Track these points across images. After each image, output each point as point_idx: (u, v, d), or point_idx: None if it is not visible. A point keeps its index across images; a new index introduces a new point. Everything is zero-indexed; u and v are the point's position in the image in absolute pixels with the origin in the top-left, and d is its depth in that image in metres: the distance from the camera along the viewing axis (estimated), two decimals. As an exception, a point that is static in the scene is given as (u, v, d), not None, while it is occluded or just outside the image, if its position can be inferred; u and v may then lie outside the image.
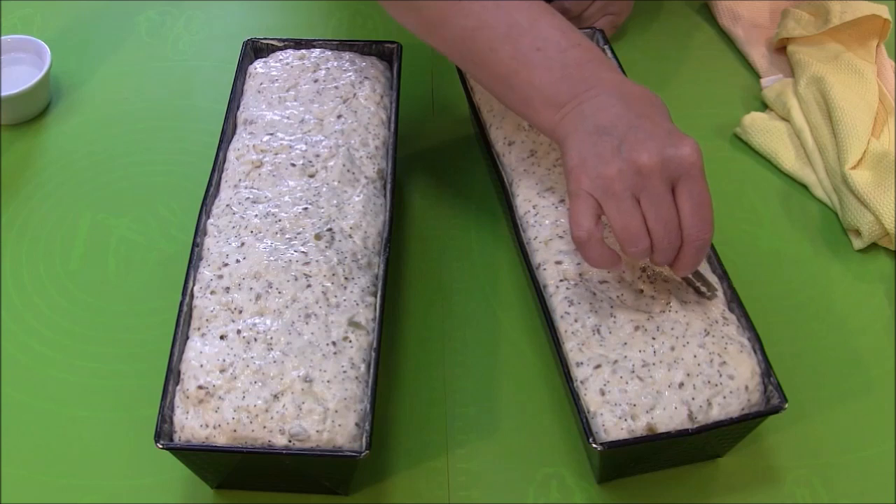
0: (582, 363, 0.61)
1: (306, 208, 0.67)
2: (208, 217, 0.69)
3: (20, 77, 0.86)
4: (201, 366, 0.59)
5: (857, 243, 0.78)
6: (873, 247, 0.79)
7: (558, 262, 0.67)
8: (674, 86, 0.93)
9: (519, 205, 0.72)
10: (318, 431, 0.57)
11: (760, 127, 0.87)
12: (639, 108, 0.60)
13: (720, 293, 0.65)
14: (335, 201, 0.68)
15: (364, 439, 0.57)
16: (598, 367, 0.61)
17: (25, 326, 0.72)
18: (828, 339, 0.73)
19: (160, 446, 0.56)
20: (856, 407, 0.69)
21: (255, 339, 0.60)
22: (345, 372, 0.59)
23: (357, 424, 0.58)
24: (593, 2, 0.92)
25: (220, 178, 0.72)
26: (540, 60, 0.63)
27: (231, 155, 0.73)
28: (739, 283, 0.66)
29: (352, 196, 0.69)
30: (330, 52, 0.81)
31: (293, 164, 0.71)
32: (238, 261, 0.64)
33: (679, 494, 0.64)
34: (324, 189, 0.69)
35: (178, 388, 0.59)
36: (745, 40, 0.96)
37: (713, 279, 0.66)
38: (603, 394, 0.59)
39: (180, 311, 0.63)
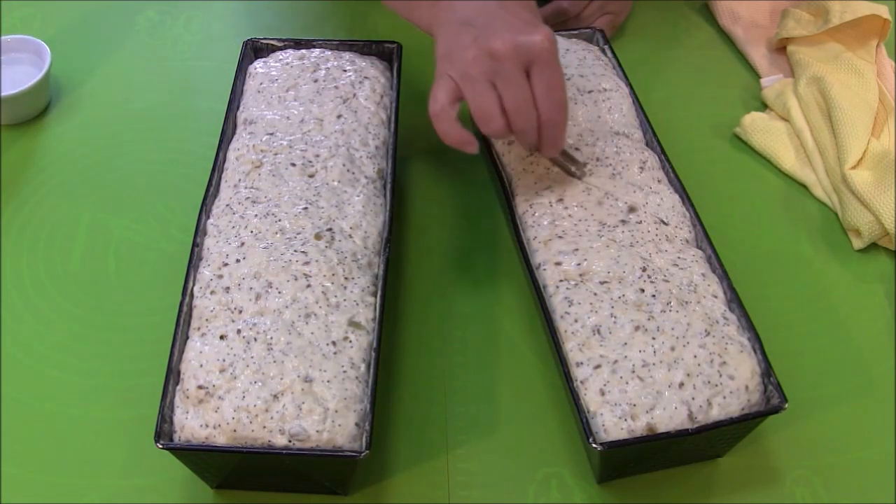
0: (582, 363, 0.61)
1: (306, 208, 0.67)
2: (208, 217, 0.69)
3: (20, 77, 0.86)
4: (201, 366, 0.59)
5: (857, 243, 0.78)
6: (873, 247, 0.79)
7: (558, 263, 0.67)
8: (674, 86, 0.93)
9: (518, 204, 0.72)
10: (318, 431, 0.57)
11: (760, 127, 0.87)
12: (502, 1, 0.64)
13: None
14: (335, 201, 0.68)
15: (364, 439, 0.57)
16: (597, 367, 0.61)
17: (25, 326, 0.72)
18: (828, 339, 0.73)
19: (160, 446, 0.56)
20: (856, 407, 0.69)
21: (255, 339, 0.60)
22: (345, 372, 0.59)
23: (357, 424, 0.58)
24: (591, 1, 0.92)
25: (220, 178, 0.72)
26: None
27: (231, 155, 0.73)
28: (739, 283, 0.66)
29: (352, 196, 0.69)
30: (330, 52, 0.81)
31: (293, 164, 0.71)
32: (238, 261, 0.64)
33: (679, 494, 0.64)
34: (324, 189, 0.69)
35: (178, 387, 0.59)
36: (745, 40, 0.96)
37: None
38: (603, 394, 0.59)
39: (180, 311, 0.63)
